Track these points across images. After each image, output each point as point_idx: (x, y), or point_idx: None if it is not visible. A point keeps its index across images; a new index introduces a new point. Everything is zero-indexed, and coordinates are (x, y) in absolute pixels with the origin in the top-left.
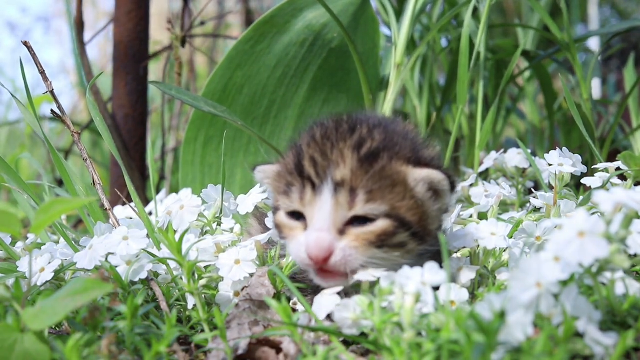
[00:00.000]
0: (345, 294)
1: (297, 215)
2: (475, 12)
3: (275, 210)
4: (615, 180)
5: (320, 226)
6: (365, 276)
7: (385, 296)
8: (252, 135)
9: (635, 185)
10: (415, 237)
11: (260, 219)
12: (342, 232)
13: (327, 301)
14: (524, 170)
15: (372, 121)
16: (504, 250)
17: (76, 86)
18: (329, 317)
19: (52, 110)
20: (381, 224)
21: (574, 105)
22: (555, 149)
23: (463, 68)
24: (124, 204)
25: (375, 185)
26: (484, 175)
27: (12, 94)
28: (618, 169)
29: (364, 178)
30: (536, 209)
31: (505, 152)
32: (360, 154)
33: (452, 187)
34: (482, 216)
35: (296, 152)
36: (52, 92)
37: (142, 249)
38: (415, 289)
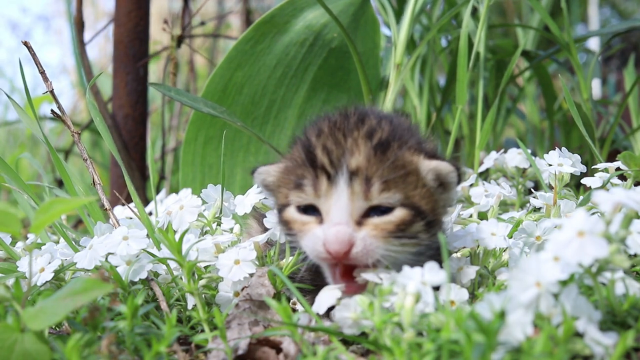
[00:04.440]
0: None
1: (309, 210)
2: (475, 12)
3: (283, 207)
4: (615, 180)
5: (338, 219)
6: (371, 277)
7: (386, 296)
8: (252, 135)
9: (635, 185)
10: (428, 226)
11: (259, 219)
12: (359, 223)
13: (327, 295)
14: (524, 170)
15: (378, 113)
16: (504, 250)
17: (76, 86)
18: (329, 317)
19: (52, 110)
20: (399, 213)
21: (574, 105)
22: (555, 149)
23: (462, 68)
24: (123, 204)
25: (389, 174)
26: (484, 175)
27: (9, 97)
28: (618, 169)
29: (379, 167)
30: (536, 209)
31: (505, 152)
32: (372, 142)
33: (459, 179)
34: (482, 216)
35: (304, 144)
36: (52, 92)
37: (142, 249)
38: (415, 289)
